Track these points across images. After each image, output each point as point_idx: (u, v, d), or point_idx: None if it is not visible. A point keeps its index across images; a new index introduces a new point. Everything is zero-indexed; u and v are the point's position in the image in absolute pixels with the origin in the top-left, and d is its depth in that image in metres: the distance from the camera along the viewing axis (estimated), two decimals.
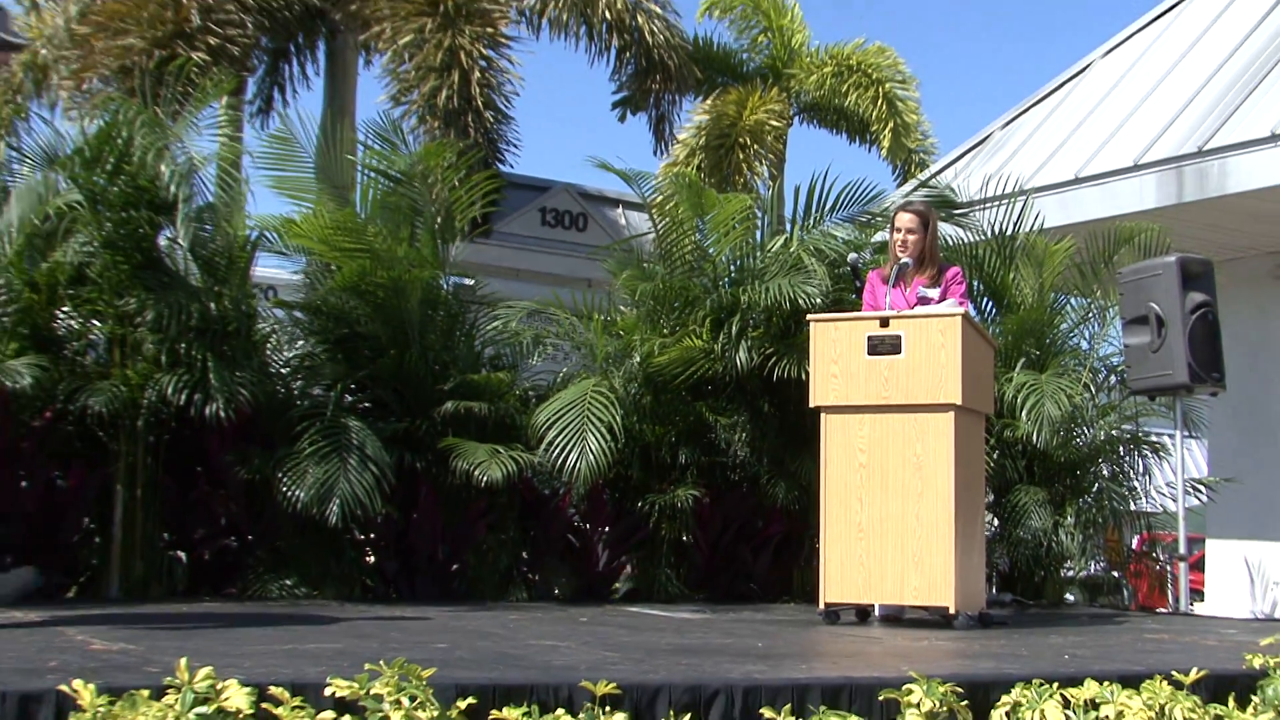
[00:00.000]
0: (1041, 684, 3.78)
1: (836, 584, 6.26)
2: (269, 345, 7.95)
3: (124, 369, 7.21)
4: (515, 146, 15.25)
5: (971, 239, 9.30)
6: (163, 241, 7.48)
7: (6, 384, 6.89)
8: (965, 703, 3.60)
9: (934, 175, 13.46)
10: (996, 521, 8.76)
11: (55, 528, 7.26)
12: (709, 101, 19.78)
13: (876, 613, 6.54)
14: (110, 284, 7.25)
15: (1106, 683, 3.91)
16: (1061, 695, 3.76)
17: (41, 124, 11.78)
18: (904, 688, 3.57)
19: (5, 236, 7.20)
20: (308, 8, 15.55)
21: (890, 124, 19.91)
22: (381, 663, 3.09)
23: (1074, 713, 3.78)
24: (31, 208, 7.19)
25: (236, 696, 2.92)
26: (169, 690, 2.88)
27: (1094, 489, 9.08)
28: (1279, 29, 11.44)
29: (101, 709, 2.77)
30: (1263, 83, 10.90)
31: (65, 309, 7.51)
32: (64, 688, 2.87)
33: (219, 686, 2.92)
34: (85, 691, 2.81)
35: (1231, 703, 4.09)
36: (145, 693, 2.87)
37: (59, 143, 7.81)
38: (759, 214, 9.04)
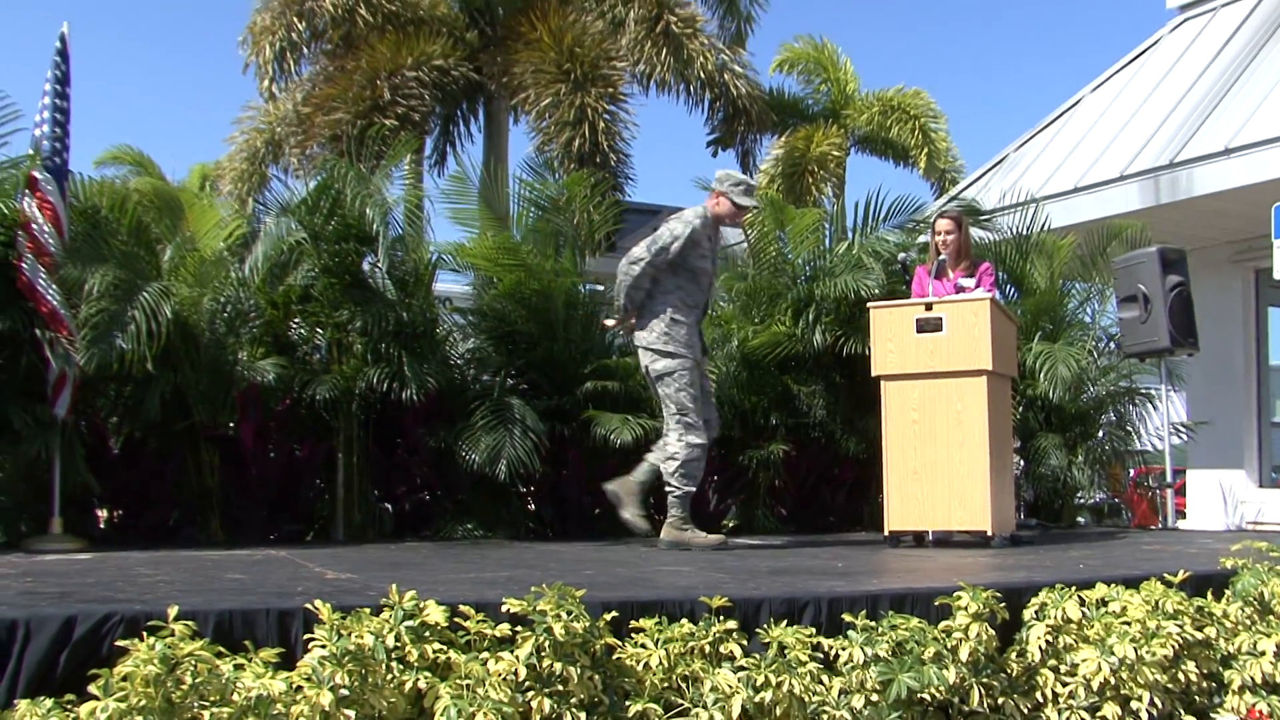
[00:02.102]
0: (1062, 588, 3.73)
1: (898, 515, 6.21)
2: (448, 343, 8.00)
3: (340, 365, 7.32)
4: (632, 179, 15.31)
5: (995, 239, 9.19)
6: (365, 266, 7.57)
7: (258, 379, 7.04)
8: (1003, 605, 3.56)
9: (963, 190, 13.31)
10: (1023, 462, 8.63)
11: (295, 487, 7.42)
12: (783, 138, 19.64)
13: (930, 537, 6.47)
14: (328, 300, 7.36)
15: (1113, 585, 3.86)
16: (1078, 596, 3.71)
17: (278, 183, 12.10)
18: (955, 594, 3.53)
19: (254, 268, 7.34)
20: (470, 81, 15.67)
21: (926, 150, 19.65)
22: (544, 586, 3.11)
23: (1089, 609, 3.73)
24: (272, 245, 7.31)
25: (435, 613, 2.95)
26: (384, 608, 2.93)
27: (1099, 433, 8.97)
28: (1226, 66, 11.30)
29: (336, 622, 2.82)
30: (1216, 109, 10.81)
31: (296, 320, 7.62)
32: (309, 606, 2.92)
33: (421, 605, 2.96)
34: (324, 609, 2.86)
35: (1210, 596, 4.03)
36: (367, 610, 2.92)
37: (290, 196, 7.95)
38: (826, 225, 8.96)
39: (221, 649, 2.70)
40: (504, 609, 3.05)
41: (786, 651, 3.21)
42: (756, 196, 6.71)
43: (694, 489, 6.28)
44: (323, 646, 2.74)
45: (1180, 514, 11.53)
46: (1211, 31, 12.08)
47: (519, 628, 2.99)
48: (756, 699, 3.05)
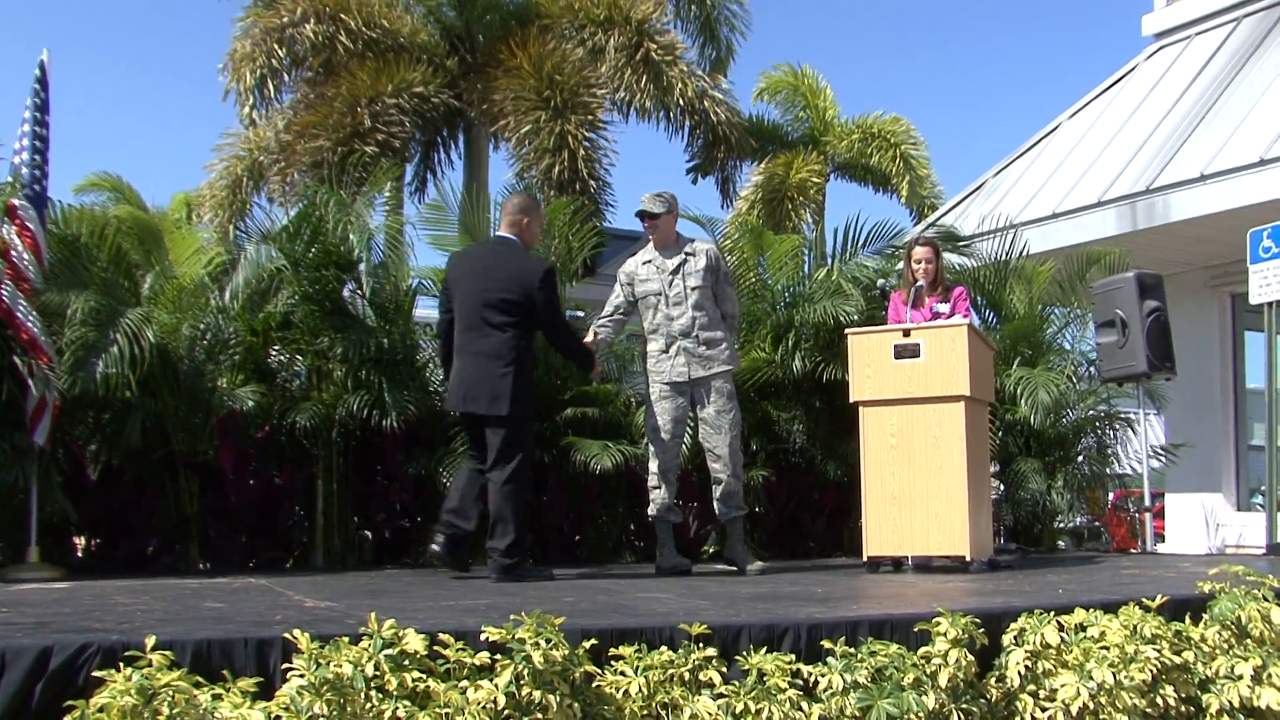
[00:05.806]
0: (1041, 613, 3.74)
1: (876, 541, 6.22)
2: (428, 369, 8.00)
3: (320, 392, 7.31)
4: (612, 205, 15.27)
5: (974, 264, 9.24)
6: (346, 292, 7.57)
7: (237, 407, 7.02)
8: (982, 630, 3.57)
9: (941, 215, 13.38)
10: (1002, 486, 8.66)
11: (274, 515, 7.39)
12: (763, 165, 19.73)
13: (909, 562, 6.48)
14: (308, 327, 7.35)
15: (1092, 610, 3.87)
16: (1057, 621, 3.72)
17: (259, 210, 12.10)
18: (934, 620, 3.53)
19: (234, 296, 7.32)
20: (450, 108, 15.71)
21: (906, 177, 19.78)
22: (523, 614, 3.11)
23: (1067, 634, 3.74)
24: (252, 272, 7.32)
25: (414, 641, 2.94)
26: (363, 637, 2.92)
27: (1078, 457, 8.99)
28: (1201, 93, 11.43)
29: (315, 651, 2.82)
30: (1191, 135, 10.94)
31: (276, 348, 7.61)
32: (287, 635, 2.92)
33: (400, 634, 2.95)
34: (303, 638, 2.85)
35: (1188, 620, 4.04)
36: (346, 639, 2.91)
37: (271, 223, 7.95)
38: (806, 251, 9.01)
39: (199, 679, 2.69)
40: (483, 637, 3.05)
41: (766, 678, 3.21)
42: (645, 202, 6.97)
43: (654, 514, 6.58)
44: (301, 676, 2.73)
45: (1159, 537, 11.58)
46: (1187, 59, 12.22)
47: (498, 656, 2.99)
48: None
